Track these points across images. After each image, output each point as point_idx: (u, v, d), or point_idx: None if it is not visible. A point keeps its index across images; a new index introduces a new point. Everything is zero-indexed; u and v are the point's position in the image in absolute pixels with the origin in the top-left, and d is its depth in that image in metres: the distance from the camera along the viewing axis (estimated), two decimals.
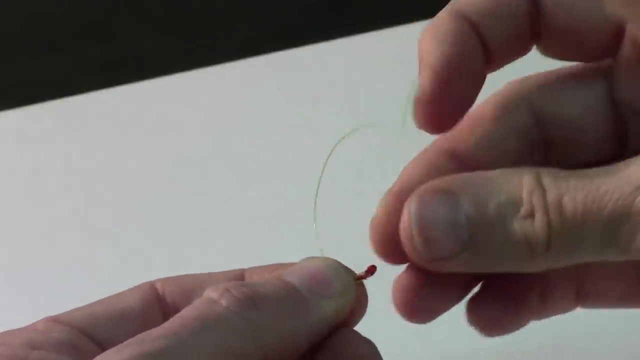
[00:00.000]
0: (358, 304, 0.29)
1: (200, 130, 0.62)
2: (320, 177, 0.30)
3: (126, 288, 0.54)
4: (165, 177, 0.60)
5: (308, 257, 0.29)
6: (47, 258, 0.56)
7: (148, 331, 0.25)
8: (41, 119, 0.65)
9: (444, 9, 0.29)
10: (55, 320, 0.29)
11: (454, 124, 0.30)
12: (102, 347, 0.28)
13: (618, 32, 0.28)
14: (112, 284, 0.54)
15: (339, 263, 0.29)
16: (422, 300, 0.29)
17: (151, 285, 0.32)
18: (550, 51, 0.30)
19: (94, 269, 0.55)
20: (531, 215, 0.26)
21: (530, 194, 0.26)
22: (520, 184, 0.27)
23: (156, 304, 0.31)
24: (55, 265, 0.55)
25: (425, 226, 0.27)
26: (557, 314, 0.31)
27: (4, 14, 0.74)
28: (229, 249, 0.55)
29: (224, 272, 0.32)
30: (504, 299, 0.30)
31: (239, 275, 0.32)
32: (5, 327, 0.52)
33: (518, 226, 0.26)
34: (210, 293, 0.27)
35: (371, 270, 0.29)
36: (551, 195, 0.26)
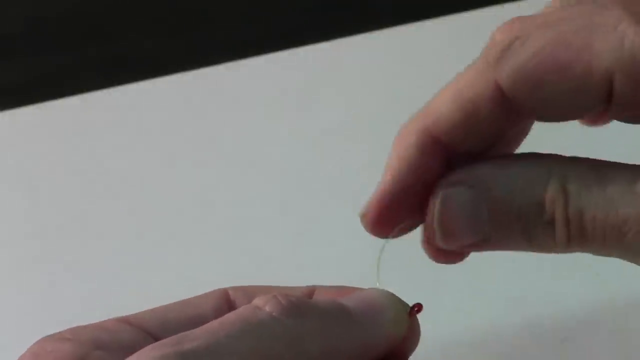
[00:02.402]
0: (411, 337, 0.29)
1: (200, 130, 0.62)
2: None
3: (126, 288, 0.55)
4: (165, 177, 0.60)
5: (370, 288, 0.30)
6: (47, 258, 0.56)
7: (187, 332, 0.26)
8: (41, 119, 0.65)
9: (411, 120, 0.30)
10: (125, 321, 0.29)
11: (401, 229, 0.30)
12: None
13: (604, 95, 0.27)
14: (112, 284, 0.54)
15: (396, 296, 0.29)
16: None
17: (224, 292, 0.32)
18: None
19: (94, 269, 0.55)
20: (552, 222, 0.27)
21: (552, 201, 0.27)
22: (545, 188, 0.27)
23: (227, 312, 0.31)
24: (56, 265, 0.55)
25: (445, 218, 0.28)
26: None
27: (4, 14, 0.74)
28: (229, 248, 0.55)
29: (294, 287, 0.32)
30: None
31: (309, 292, 0.32)
32: (5, 327, 0.52)
33: (538, 230, 0.27)
34: (257, 300, 0.27)
35: (418, 307, 0.29)
36: (572, 208, 0.26)
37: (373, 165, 0.58)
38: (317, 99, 0.63)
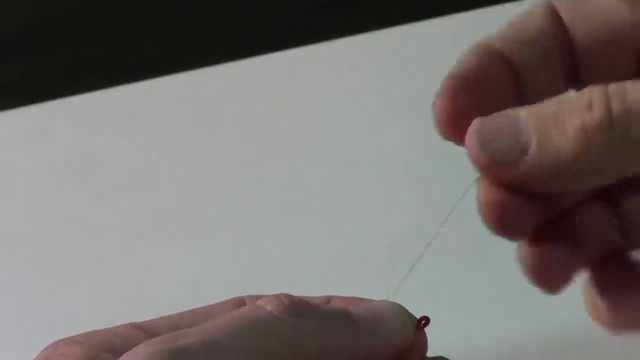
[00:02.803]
0: (416, 348, 0.29)
1: (201, 130, 0.62)
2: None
3: (126, 287, 0.55)
4: (165, 177, 0.60)
5: (380, 300, 0.30)
6: (48, 258, 0.56)
7: (184, 329, 0.25)
8: (41, 119, 0.65)
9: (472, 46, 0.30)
10: (139, 327, 0.29)
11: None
12: None
13: None
14: (113, 284, 0.54)
15: (404, 308, 0.29)
16: (506, 209, 0.28)
17: (240, 300, 0.32)
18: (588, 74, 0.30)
19: (95, 269, 0.55)
20: (590, 106, 0.26)
21: (591, 89, 0.26)
22: (583, 89, 0.26)
23: None
24: (56, 265, 0.55)
25: (485, 132, 0.27)
26: None
27: (4, 14, 0.74)
28: (229, 248, 0.55)
29: (311, 297, 0.31)
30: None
31: (325, 302, 0.32)
32: (5, 327, 0.52)
33: (577, 117, 0.26)
34: (260, 301, 0.27)
35: (426, 319, 0.30)
36: (613, 88, 0.26)
37: (373, 165, 0.59)
38: (317, 99, 0.63)
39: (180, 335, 0.25)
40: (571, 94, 0.27)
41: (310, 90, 0.64)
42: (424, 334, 0.29)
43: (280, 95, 0.64)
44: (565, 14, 0.29)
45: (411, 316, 0.29)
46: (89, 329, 0.29)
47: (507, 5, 0.64)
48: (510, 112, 0.27)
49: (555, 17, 0.29)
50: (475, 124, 0.28)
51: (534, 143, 0.26)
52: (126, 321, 0.30)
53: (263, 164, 0.60)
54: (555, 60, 0.29)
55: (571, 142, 0.26)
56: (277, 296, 0.27)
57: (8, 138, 0.64)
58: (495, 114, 0.28)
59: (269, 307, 0.26)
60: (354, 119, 0.61)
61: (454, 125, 0.29)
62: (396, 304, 0.29)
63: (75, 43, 0.72)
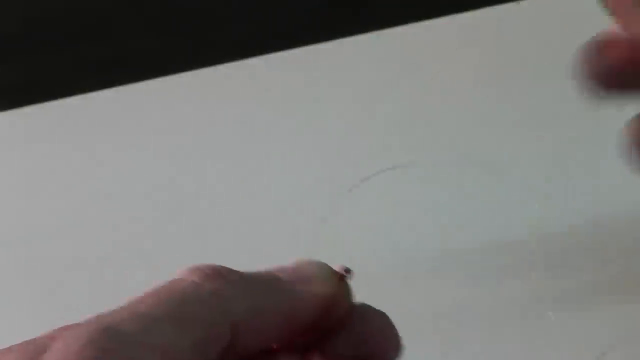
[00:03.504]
0: (343, 298, 0.30)
1: (200, 130, 0.62)
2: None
3: (126, 287, 0.54)
4: (165, 177, 0.60)
5: (304, 259, 0.31)
6: (47, 258, 0.56)
7: (112, 310, 0.26)
8: (41, 119, 0.65)
9: None
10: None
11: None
12: None
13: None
14: (112, 284, 0.54)
15: (325, 263, 0.30)
16: None
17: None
18: None
19: (94, 269, 0.55)
20: None
21: None
22: None
23: None
24: (55, 265, 0.55)
25: None
26: None
27: (4, 14, 0.74)
28: (229, 249, 0.55)
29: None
30: None
31: None
32: (5, 327, 0.52)
33: None
34: (182, 272, 0.28)
35: (347, 270, 0.31)
36: None
37: (373, 164, 0.58)
38: (317, 99, 0.63)
39: (106, 313, 0.26)
40: None
41: (310, 90, 0.64)
42: (347, 284, 0.30)
43: (280, 95, 0.64)
44: None
45: (332, 269, 0.30)
46: None
47: (507, 5, 0.64)
48: None
49: None
50: None
51: None
52: None
53: (263, 163, 0.60)
54: None
55: None
56: (198, 266, 0.28)
57: (8, 138, 0.64)
58: None
59: (191, 276, 0.27)
60: (353, 119, 0.61)
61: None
62: (318, 261, 0.30)
63: (75, 43, 0.71)
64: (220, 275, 0.27)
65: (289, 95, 0.64)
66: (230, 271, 0.28)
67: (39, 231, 0.58)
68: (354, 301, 0.31)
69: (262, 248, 0.54)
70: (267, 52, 0.66)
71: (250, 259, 0.54)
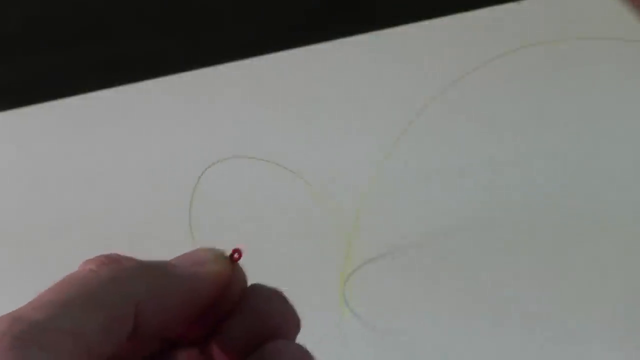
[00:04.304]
0: (236, 280, 0.32)
1: (200, 130, 0.62)
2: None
3: None
4: (165, 177, 0.60)
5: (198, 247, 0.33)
6: (47, 258, 0.56)
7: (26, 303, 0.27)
8: (41, 119, 0.65)
9: None
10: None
11: None
12: None
13: None
14: None
15: (217, 248, 0.32)
16: None
17: None
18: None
19: None
20: None
21: None
22: None
23: None
24: (56, 265, 0.55)
25: None
26: None
27: (4, 14, 0.74)
28: (229, 249, 0.55)
29: None
30: None
31: None
32: None
33: None
34: (84, 263, 0.29)
35: (238, 251, 0.33)
36: None
37: (373, 164, 0.59)
38: (317, 99, 0.63)
39: (17, 309, 0.27)
40: None
41: (310, 90, 0.64)
42: (239, 267, 0.32)
43: (281, 95, 0.64)
44: None
45: (223, 252, 0.32)
46: None
47: (507, 5, 0.64)
48: None
49: None
50: None
51: None
52: None
53: (263, 164, 0.59)
54: None
55: None
56: (97, 256, 0.30)
57: (8, 138, 0.64)
58: None
59: (87, 266, 0.29)
60: (354, 119, 0.61)
61: None
62: (211, 247, 0.32)
63: (74, 43, 0.72)
64: (116, 261, 0.29)
65: (289, 95, 0.64)
66: (126, 257, 0.30)
67: (38, 231, 0.58)
68: (246, 283, 0.32)
69: (262, 248, 0.54)
70: (267, 52, 0.66)
71: (249, 259, 0.54)
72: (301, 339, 0.31)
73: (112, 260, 0.29)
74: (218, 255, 0.32)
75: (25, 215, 0.59)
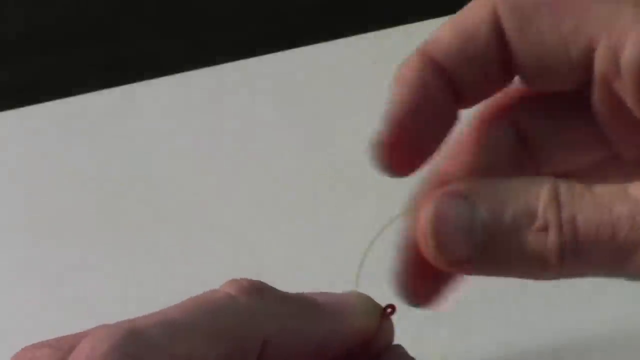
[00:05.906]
0: (383, 335, 0.29)
1: (200, 130, 0.62)
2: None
3: (126, 288, 0.54)
4: (165, 177, 0.60)
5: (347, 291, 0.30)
6: (47, 258, 0.56)
7: (146, 314, 0.26)
8: (41, 119, 0.65)
9: (414, 52, 0.30)
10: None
11: (417, 167, 0.30)
12: None
13: (588, 62, 0.27)
14: (111, 285, 0.54)
15: (369, 297, 0.29)
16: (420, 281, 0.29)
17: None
18: (527, 85, 0.30)
19: (93, 270, 0.55)
20: (545, 229, 0.26)
21: (545, 208, 0.26)
22: (538, 196, 0.27)
23: None
24: (55, 266, 0.55)
25: (440, 229, 0.27)
26: None
27: (4, 14, 0.74)
28: (229, 250, 0.55)
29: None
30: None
31: None
32: (4, 327, 0.52)
33: (532, 238, 0.26)
34: (222, 286, 0.27)
35: (392, 307, 0.29)
36: (566, 213, 0.26)
37: (372, 164, 0.58)
38: (317, 99, 0.63)
39: (139, 318, 0.25)
40: (528, 202, 0.27)
41: (310, 90, 0.64)
42: (390, 321, 0.29)
43: (280, 95, 0.64)
44: (511, 34, 0.28)
45: (376, 304, 0.29)
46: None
47: None
48: (465, 210, 0.27)
49: (499, 33, 0.28)
50: (429, 217, 0.27)
51: (486, 250, 0.27)
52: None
53: (262, 164, 0.59)
54: (495, 76, 0.29)
55: (524, 260, 0.27)
56: (236, 279, 0.27)
57: (8, 138, 0.64)
58: (448, 206, 0.27)
59: (227, 289, 0.27)
60: (353, 119, 0.61)
61: (396, 160, 0.30)
62: (362, 293, 0.29)
63: (75, 44, 0.72)
64: (257, 291, 0.27)
65: (289, 95, 0.63)
66: (269, 288, 0.27)
67: (38, 231, 0.58)
68: (392, 341, 0.30)
69: (262, 248, 0.54)
70: (267, 52, 0.66)
71: (249, 259, 0.54)
72: None
73: (253, 288, 0.27)
74: (370, 306, 0.29)
75: (25, 215, 0.59)
